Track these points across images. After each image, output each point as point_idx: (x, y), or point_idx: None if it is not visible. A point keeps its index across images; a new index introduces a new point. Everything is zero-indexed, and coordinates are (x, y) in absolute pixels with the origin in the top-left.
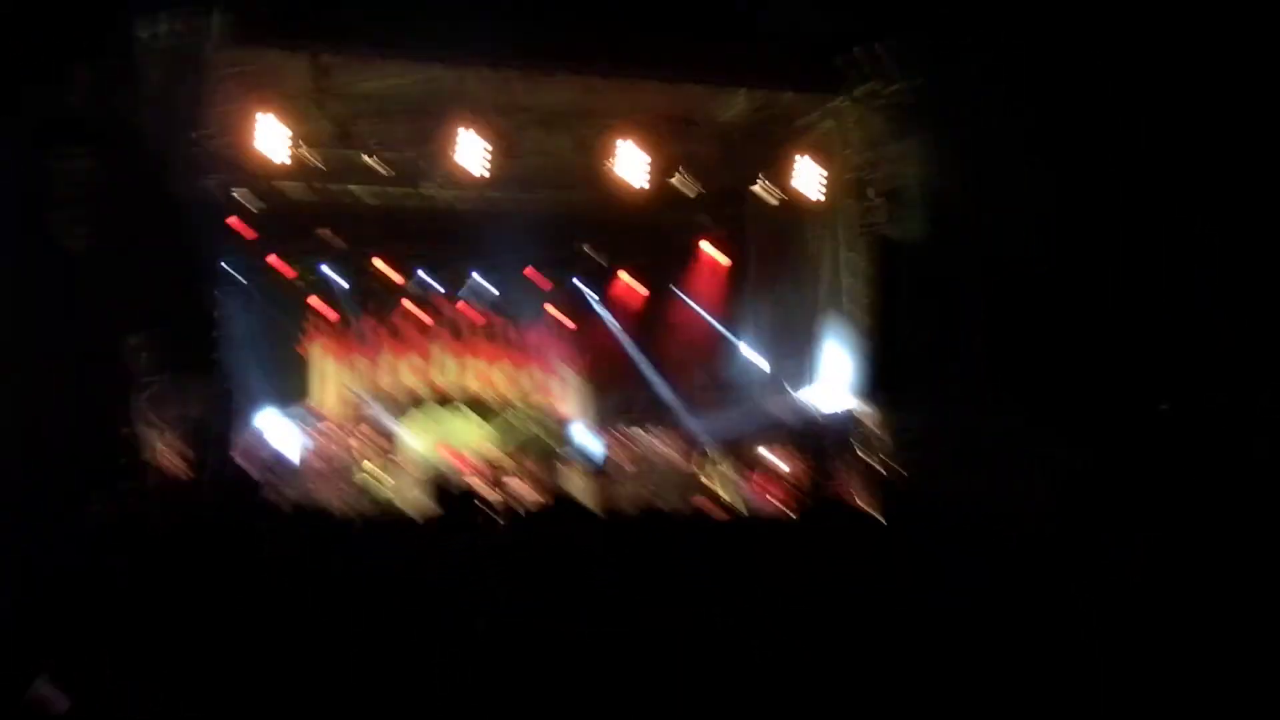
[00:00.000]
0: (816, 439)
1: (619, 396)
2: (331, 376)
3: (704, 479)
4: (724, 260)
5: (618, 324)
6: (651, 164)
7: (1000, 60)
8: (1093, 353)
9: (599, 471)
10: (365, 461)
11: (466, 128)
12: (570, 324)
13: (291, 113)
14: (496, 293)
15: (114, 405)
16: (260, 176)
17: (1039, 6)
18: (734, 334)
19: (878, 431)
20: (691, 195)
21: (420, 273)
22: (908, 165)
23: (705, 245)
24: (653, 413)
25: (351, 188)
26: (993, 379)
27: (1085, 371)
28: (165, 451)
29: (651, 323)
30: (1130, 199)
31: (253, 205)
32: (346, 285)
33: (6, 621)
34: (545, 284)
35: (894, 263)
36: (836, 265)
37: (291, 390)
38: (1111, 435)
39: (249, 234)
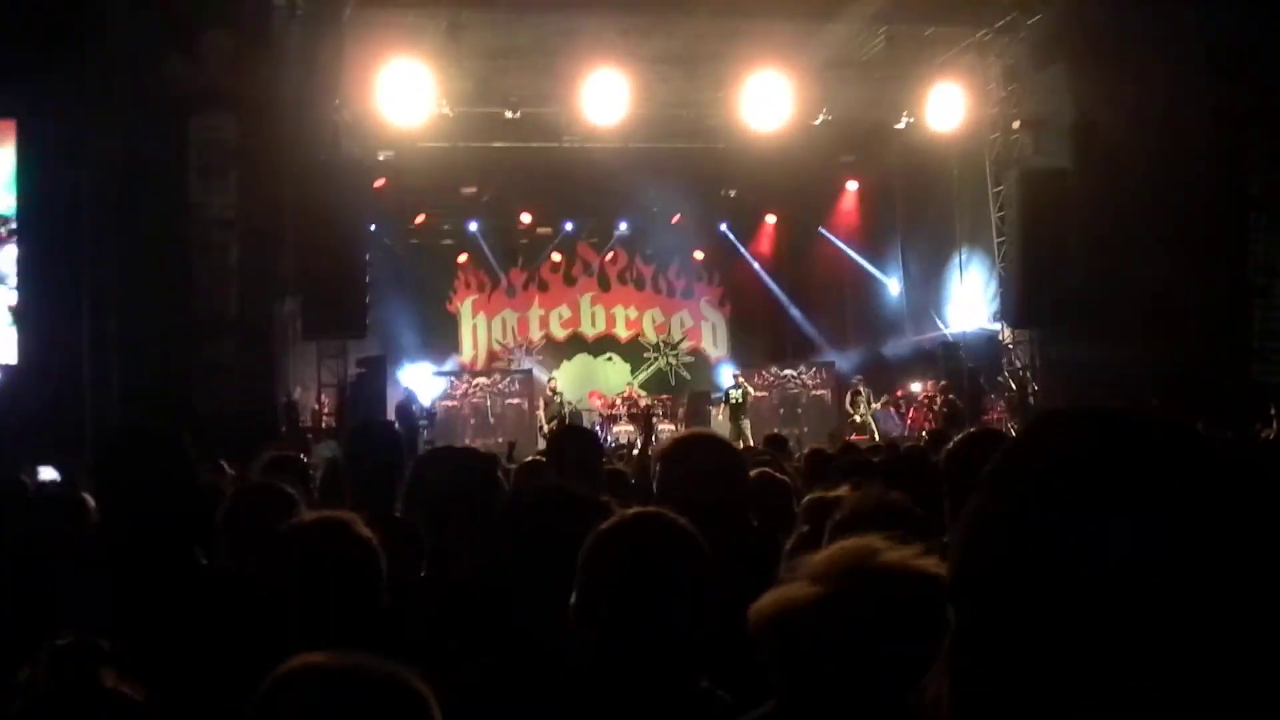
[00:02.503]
0: (964, 368)
1: (767, 336)
2: (481, 331)
3: (852, 414)
4: (868, 196)
5: (764, 265)
6: (794, 106)
7: None
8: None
9: (747, 410)
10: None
11: (606, 77)
12: (717, 267)
13: (431, 72)
14: (643, 240)
15: (270, 369)
16: (403, 138)
17: None
18: (880, 269)
19: (1025, 360)
20: (834, 135)
21: (567, 225)
22: (1053, 96)
23: (850, 184)
24: (800, 351)
25: (495, 144)
26: (1141, 315)
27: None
28: (322, 412)
29: (798, 263)
30: None
31: (397, 166)
32: (493, 240)
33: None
34: (692, 230)
35: (1042, 194)
36: (983, 198)
37: (443, 346)
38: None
39: (395, 194)
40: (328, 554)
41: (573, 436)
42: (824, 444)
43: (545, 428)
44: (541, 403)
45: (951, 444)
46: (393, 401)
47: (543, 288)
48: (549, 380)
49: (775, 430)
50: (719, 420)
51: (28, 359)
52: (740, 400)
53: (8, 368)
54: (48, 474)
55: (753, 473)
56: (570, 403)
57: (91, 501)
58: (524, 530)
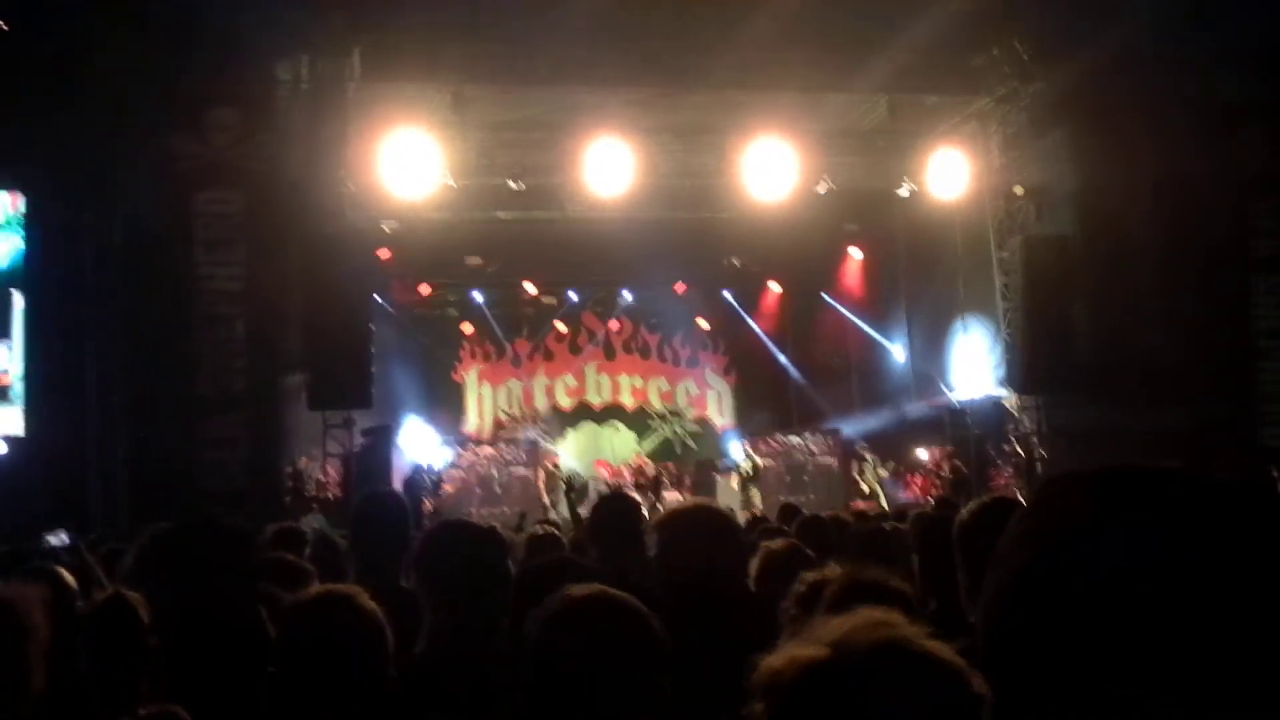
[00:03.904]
0: (970, 435)
1: (772, 404)
2: (487, 400)
3: (859, 482)
4: (872, 264)
5: (768, 333)
6: (796, 174)
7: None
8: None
9: (754, 479)
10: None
11: (609, 148)
12: (721, 335)
13: (436, 144)
14: (647, 309)
15: (276, 442)
16: (407, 208)
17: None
18: (884, 336)
19: (1031, 426)
20: (837, 203)
21: (570, 293)
22: (1055, 163)
23: (853, 251)
24: (806, 418)
25: (499, 214)
26: (1147, 380)
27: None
28: (327, 483)
29: (802, 330)
30: None
31: (401, 237)
32: (497, 310)
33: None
34: (696, 299)
35: (1046, 261)
36: (986, 265)
37: (448, 416)
38: None
39: (399, 265)
40: (332, 628)
41: (610, 508)
42: (839, 512)
43: (547, 500)
44: (542, 475)
45: (964, 513)
46: (398, 471)
47: (548, 357)
48: (550, 455)
49: (783, 498)
50: (732, 489)
51: (33, 431)
52: (751, 471)
53: (13, 439)
54: (57, 540)
55: (778, 544)
56: (573, 473)
57: (71, 578)
58: (523, 604)
